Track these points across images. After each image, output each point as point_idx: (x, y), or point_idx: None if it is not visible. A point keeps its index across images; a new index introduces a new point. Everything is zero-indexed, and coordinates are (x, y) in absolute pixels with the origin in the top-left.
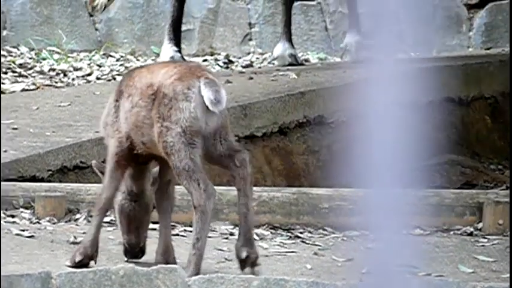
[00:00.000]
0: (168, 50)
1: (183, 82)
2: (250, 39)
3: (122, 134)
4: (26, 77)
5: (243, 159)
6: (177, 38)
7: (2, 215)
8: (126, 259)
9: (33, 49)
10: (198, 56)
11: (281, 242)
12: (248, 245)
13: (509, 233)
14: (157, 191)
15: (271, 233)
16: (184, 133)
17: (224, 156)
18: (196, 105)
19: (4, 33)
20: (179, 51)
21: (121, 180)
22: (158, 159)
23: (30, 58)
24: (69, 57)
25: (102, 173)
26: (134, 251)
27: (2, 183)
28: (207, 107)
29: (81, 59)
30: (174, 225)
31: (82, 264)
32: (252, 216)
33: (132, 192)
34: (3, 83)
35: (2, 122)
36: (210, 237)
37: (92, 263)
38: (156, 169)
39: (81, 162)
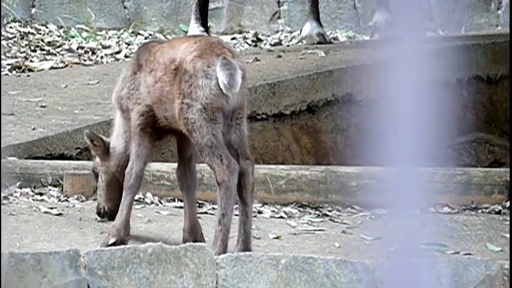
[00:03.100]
0: (194, 29)
1: (203, 59)
2: (279, 18)
3: (142, 105)
4: (55, 55)
5: (246, 169)
6: (203, 17)
7: (30, 192)
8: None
9: (61, 27)
10: (226, 34)
11: (309, 220)
12: (246, 251)
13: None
14: (179, 168)
15: (299, 211)
16: (205, 109)
17: (231, 149)
18: (217, 82)
19: (33, 11)
20: (206, 30)
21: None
22: (177, 135)
23: (59, 36)
24: (97, 35)
25: (92, 141)
26: (113, 215)
27: (31, 161)
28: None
29: (109, 37)
30: (202, 204)
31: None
32: (251, 224)
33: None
34: (31, 61)
35: (30, 99)
36: (237, 215)
37: None
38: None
39: None
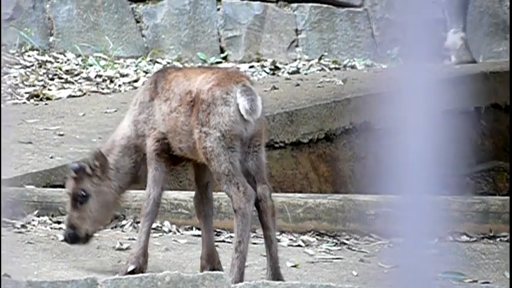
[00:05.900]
0: (454, 36)
1: (222, 87)
2: (297, 46)
3: (157, 130)
4: (73, 83)
5: (263, 194)
6: (464, 22)
7: (48, 221)
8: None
9: (79, 55)
10: (244, 62)
11: (327, 249)
12: (277, 276)
13: None
14: (196, 196)
15: (317, 239)
16: (224, 137)
17: (248, 176)
18: (236, 109)
19: (51, 39)
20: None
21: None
22: (194, 163)
23: (77, 64)
24: (115, 63)
25: (99, 165)
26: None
27: (48, 189)
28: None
29: (127, 66)
30: (219, 232)
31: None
32: (276, 247)
33: (122, 188)
34: (49, 89)
35: (48, 128)
36: (255, 243)
37: None
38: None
39: None
